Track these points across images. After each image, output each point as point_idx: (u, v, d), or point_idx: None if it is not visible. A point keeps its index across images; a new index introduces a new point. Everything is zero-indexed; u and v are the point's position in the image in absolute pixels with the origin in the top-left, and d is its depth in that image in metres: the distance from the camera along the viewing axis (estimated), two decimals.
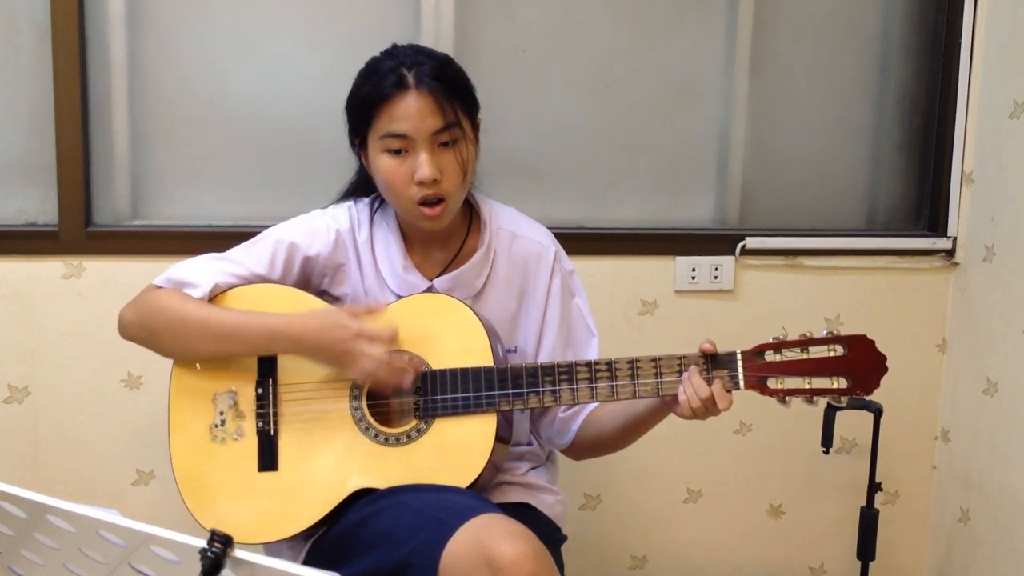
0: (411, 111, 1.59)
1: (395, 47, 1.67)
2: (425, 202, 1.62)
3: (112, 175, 2.29)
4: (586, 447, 1.78)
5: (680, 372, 1.57)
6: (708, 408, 1.56)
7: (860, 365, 1.55)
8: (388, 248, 1.72)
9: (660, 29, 2.45)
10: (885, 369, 1.56)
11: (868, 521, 2.35)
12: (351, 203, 1.77)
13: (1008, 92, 2.36)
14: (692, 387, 1.55)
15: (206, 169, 2.33)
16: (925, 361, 2.58)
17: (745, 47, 2.48)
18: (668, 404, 1.61)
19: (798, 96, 2.54)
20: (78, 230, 2.23)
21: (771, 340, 1.57)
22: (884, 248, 2.53)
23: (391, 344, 1.59)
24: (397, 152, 1.61)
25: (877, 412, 2.28)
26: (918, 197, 2.61)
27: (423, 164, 1.60)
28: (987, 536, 2.43)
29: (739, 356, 1.57)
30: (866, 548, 2.36)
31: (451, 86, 1.62)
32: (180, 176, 2.33)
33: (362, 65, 1.68)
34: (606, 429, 1.74)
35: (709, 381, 1.56)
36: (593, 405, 1.76)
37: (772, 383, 1.56)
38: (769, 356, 1.57)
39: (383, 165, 1.63)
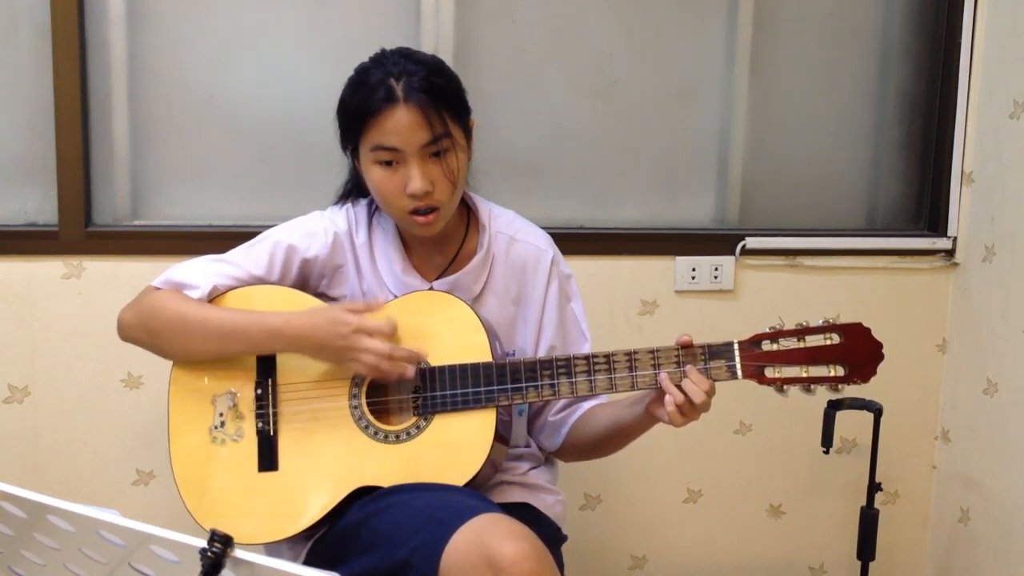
0: (400, 125, 1.59)
1: (383, 54, 1.66)
2: (417, 211, 1.63)
3: (112, 175, 2.29)
4: (573, 451, 1.81)
5: (678, 364, 1.57)
6: (699, 406, 1.56)
7: (857, 353, 1.56)
8: (387, 250, 1.72)
9: (660, 29, 2.45)
10: (881, 357, 1.56)
11: (868, 521, 2.35)
12: (349, 205, 1.77)
13: (1008, 92, 2.36)
14: (693, 383, 1.55)
15: (206, 169, 2.33)
16: (925, 361, 2.58)
17: (745, 47, 2.48)
18: (655, 415, 1.61)
19: (798, 96, 2.54)
20: (78, 230, 2.23)
21: (768, 330, 1.58)
22: (884, 248, 2.53)
23: (390, 337, 1.59)
24: (388, 163, 1.62)
25: (877, 412, 2.28)
26: (918, 197, 2.61)
27: (414, 177, 1.60)
28: (987, 536, 2.43)
29: (736, 345, 1.58)
30: (866, 548, 2.36)
31: (440, 96, 1.61)
32: (180, 176, 2.33)
33: (354, 69, 1.68)
34: (592, 435, 1.75)
35: (706, 373, 1.56)
36: (581, 411, 1.77)
37: (769, 372, 1.57)
38: (766, 345, 1.57)
39: (374, 176, 1.63)
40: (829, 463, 2.53)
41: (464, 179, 1.69)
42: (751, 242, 2.46)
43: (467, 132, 1.68)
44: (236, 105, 2.31)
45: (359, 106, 1.62)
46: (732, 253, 2.46)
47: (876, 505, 2.35)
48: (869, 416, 2.30)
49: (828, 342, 1.56)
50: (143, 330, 1.68)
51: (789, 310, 2.46)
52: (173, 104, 2.30)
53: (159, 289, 1.67)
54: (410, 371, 1.59)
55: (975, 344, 2.47)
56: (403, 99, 1.58)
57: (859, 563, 2.38)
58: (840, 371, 1.56)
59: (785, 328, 1.57)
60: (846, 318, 2.48)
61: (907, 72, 2.58)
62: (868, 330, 1.57)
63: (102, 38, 2.23)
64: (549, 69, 2.41)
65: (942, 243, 2.53)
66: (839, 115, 2.56)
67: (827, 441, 2.28)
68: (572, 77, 2.43)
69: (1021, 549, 2.31)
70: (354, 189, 1.79)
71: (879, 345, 1.56)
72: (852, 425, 2.48)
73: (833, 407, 2.25)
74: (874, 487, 2.34)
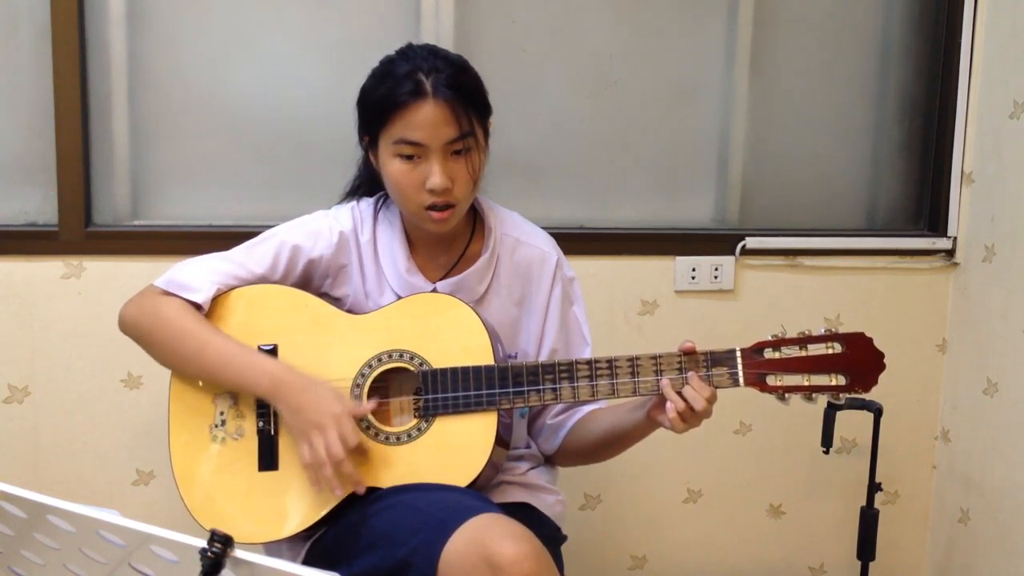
0: (427, 120, 1.58)
1: (411, 48, 1.66)
2: (434, 207, 1.62)
3: (112, 175, 2.29)
4: (571, 454, 1.80)
5: (680, 370, 1.57)
6: (700, 413, 1.56)
7: (858, 363, 1.56)
8: (392, 249, 1.72)
9: (660, 29, 2.45)
10: (883, 367, 1.57)
11: (868, 521, 2.35)
12: (354, 203, 1.76)
13: (1008, 92, 2.36)
14: (694, 391, 1.55)
15: (206, 169, 2.33)
16: (925, 361, 2.58)
17: (745, 47, 2.48)
18: (655, 420, 1.61)
19: (798, 96, 2.54)
20: (78, 230, 2.23)
21: (770, 338, 1.58)
22: (884, 248, 2.53)
23: (351, 449, 1.55)
24: (409, 157, 1.61)
25: (877, 412, 2.28)
26: (918, 197, 2.61)
27: (436, 173, 1.59)
28: (987, 536, 2.43)
29: (739, 353, 1.58)
30: (866, 548, 2.36)
31: (467, 94, 1.62)
32: (180, 176, 2.33)
33: (372, 63, 1.66)
34: (591, 438, 1.75)
35: (708, 380, 1.56)
36: (581, 414, 1.77)
37: (771, 380, 1.57)
38: (768, 353, 1.57)
39: (394, 169, 1.62)
40: (829, 463, 2.53)
41: (481, 179, 1.69)
42: (751, 242, 2.46)
43: (487, 133, 1.68)
44: (236, 105, 2.31)
45: (384, 97, 1.61)
46: (732, 253, 2.46)
47: (876, 505, 2.35)
48: (869, 416, 2.30)
49: (830, 351, 1.57)
50: (140, 336, 1.68)
51: (789, 310, 2.48)
52: (173, 104, 2.30)
53: (166, 293, 1.66)
54: (339, 491, 1.55)
55: (975, 344, 2.47)
56: (432, 94, 1.58)
57: (859, 563, 2.38)
58: (841, 380, 1.56)
59: (787, 336, 1.58)
60: (846, 318, 2.52)
61: (907, 72, 2.58)
62: (870, 340, 1.57)
63: (102, 38, 2.23)
64: (549, 69, 2.41)
65: (942, 243, 2.53)
66: (839, 115, 2.56)
67: (827, 441, 2.28)
68: (572, 77, 2.43)
69: (1021, 549, 2.31)
70: (363, 185, 1.78)
71: (880, 355, 1.57)
72: (852, 425, 2.48)
73: (833, 407, 2.25)
74: (874, 487, 2.34)
